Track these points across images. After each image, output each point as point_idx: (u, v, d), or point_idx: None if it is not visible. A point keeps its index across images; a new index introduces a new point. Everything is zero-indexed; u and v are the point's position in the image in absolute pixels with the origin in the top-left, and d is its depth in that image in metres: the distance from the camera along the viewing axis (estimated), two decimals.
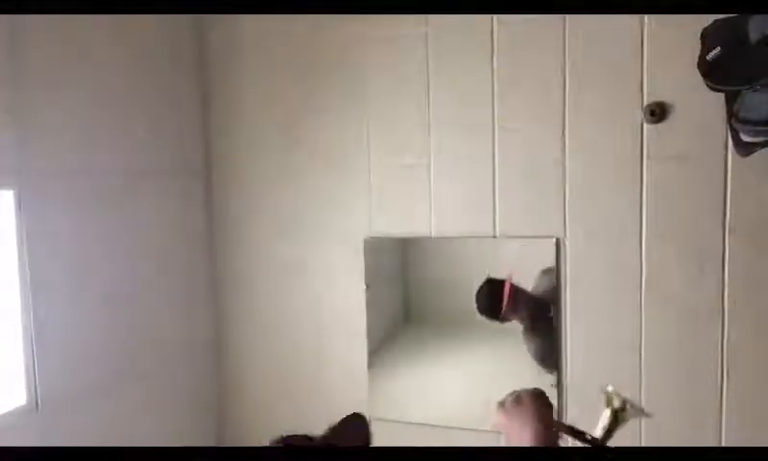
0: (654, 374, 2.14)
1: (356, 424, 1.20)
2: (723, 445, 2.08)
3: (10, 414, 1.96)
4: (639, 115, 2.10)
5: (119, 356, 2.30)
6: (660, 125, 2.08)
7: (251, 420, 2.71)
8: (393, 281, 2.53)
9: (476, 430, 2.20)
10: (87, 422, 2.16)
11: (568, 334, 2.23)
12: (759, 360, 2.04)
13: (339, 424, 1.16)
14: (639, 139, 2.11)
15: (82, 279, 2.16)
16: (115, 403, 2.28)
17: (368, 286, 2.48)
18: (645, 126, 2.10)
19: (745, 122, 1.74)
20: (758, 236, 2.01)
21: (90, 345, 2.18)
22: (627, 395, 1.10)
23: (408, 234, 2.42)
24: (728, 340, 2.06)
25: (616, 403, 1.12)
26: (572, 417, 2.19)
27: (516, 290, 2.29)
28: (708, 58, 1.77)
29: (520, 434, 1.05)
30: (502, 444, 1.09)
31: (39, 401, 2.02)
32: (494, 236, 2.30)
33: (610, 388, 1.15)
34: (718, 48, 1.74)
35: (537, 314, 2.30)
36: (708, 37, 1.82)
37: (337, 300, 2.54)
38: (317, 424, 1.16)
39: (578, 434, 1.10)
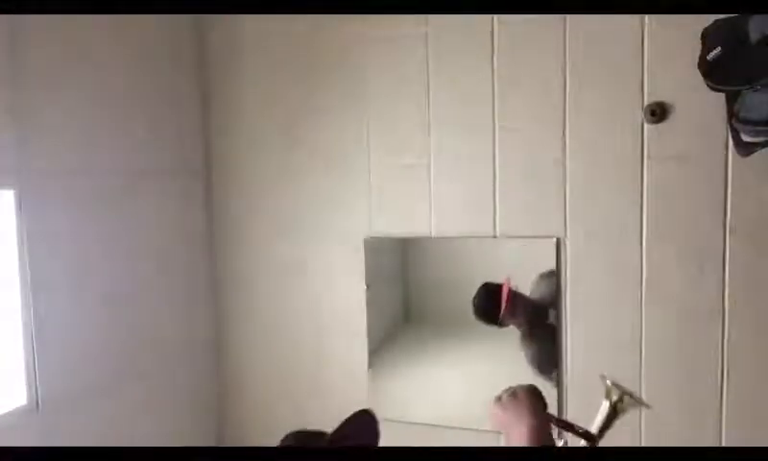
0: (654, 373, 2.14)
1: (366, 419, 1.21)
2: (723, 445, 2.08)
3: (10, 414, 1.96)
4: (640, 115, 2.10)
5: (119, 356, 2.30)
6: (660, 125, 2.08)
7: (251, 420, 2.71)
8: (393, 281, 2.52)
9: (476, 430, 2.20)
10: (87, 422, 2.16)
11: (569, 334, 2.23)
12: (759, 360, 2.04)
13: (348, 420, 1.17)
14: (640, 139, 2.11)
15: (82, 279, 2.16)
16: (115, 403, 2.28)
17: (368, 286, 2.48)
18: (645, 126, 2.10)
19: (745, 122, 1.74)
20: (758, 236, 2.01)
21: (90, 345, 2.19)
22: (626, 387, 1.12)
23: (408, 234, 2.41)
24: (728, 340, 2.06)
25: (614, 396, 1.15)
26: (572, 416, 2.19)
27: (514, 294, 2.27)
28: (708, 58, 1.77)
29: (516, 427, 1.10)
30: (502, 444, 1.11)
31: (40, 401, 2.02)
32: (495, 236, 2.29)
33: (608, 382, 1.17)
34: (718, 48, 1.74)
35: (535, 320, 2.29)
36: (708, 37, 1.82)
37: (337, 300, 2.54)
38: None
39: (570, 427, 1.15)
